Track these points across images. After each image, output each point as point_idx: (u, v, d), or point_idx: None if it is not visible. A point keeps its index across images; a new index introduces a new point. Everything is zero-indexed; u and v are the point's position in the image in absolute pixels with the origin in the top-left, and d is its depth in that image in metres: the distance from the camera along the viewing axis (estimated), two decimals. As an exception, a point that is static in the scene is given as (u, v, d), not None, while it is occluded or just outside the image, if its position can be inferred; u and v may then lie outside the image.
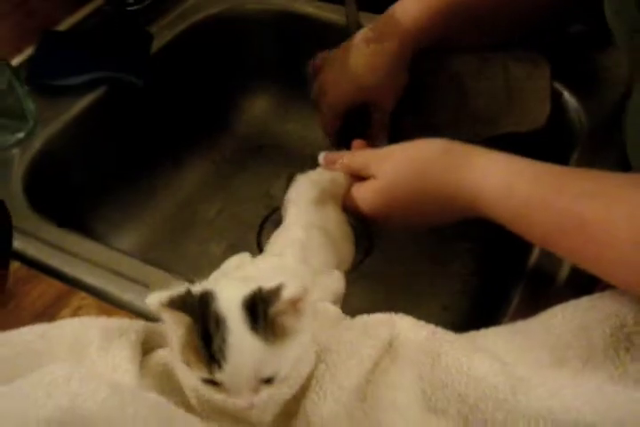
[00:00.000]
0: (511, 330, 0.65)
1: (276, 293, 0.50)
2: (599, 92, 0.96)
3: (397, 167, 0.74)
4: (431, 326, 0.62)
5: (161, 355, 0.60)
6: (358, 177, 0.77)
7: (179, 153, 1.14)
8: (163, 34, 1.09)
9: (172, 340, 0.52)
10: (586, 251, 0.60)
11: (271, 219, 1.06)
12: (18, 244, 0.78)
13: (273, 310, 0.50)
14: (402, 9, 0.87)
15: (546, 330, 0.64)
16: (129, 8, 1.10)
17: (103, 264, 0.78)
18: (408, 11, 0.86)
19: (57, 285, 0.76)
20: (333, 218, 0.76)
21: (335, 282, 0.70)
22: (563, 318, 0.64)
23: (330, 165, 0.80)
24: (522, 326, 0.66)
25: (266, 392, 0.52)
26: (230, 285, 0.54)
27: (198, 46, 1.13)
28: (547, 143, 0.93)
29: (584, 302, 0.64)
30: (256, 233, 1.05)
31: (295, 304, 0.51)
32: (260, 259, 0.70)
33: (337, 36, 0.98)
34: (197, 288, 0.53)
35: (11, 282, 0.75)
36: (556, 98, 0.96)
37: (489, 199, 0.67)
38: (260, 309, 0.50)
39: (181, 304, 0.51)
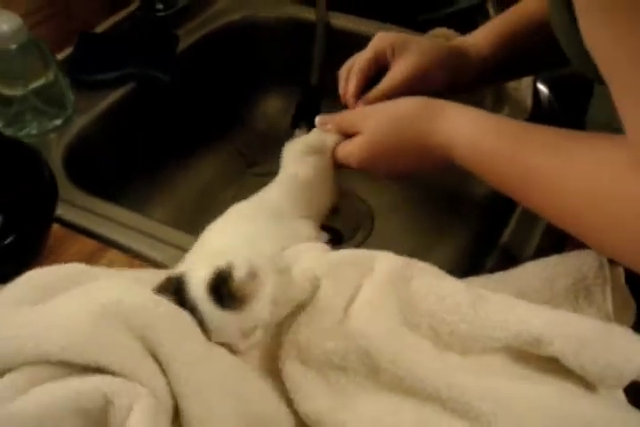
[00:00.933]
0: (487, 278, 0.74)
1: (229, 273, 0.60)
2: (571, 84, 1.05)
3: (379, 122, 0.78)
4: (407, 258, 0.71)
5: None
6: (348, 135, 0.82)
7: (198, 144, 1.23)
8: (188, 37, 1.19)
9: None
10: (539, 199, 0.67)
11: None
12: (57, 209, 0.86)
13: (232, 288, 0.60)
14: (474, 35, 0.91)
15: (517, 278, 0.72)
16: (158, 14, 1.21)
17: (132, 226, 0.88)
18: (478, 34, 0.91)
19: (91, 243, 0.86)
20: (317, 168, 0.82)
21: (305, 229, 0.79)
22: (533, 270, 0.73)
23: (323, 125, 0.84)
24: (496, 275, 0.74)
25: (252, 338, 0.63)
26: (198, 266, 0.64)
27: (219, 48, 1.24)
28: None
29: (553, 259, 0.73)
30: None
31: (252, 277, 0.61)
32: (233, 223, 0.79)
33: (342, 40, 1.08)
34: (176, 271, 0.64)
35: (51, 241, 0.85)
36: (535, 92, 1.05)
37: (458, 149, 0.72)
38: (223, 289, 0.60)
39: (164, 290, 0.62)
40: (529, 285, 0.71)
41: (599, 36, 0.55)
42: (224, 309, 0.60)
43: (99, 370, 0.54)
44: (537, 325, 0.63)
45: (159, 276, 0.69)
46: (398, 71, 0.85)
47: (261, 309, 0.62)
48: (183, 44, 1.18)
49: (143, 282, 0.66)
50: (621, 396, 0.65)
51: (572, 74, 1.05)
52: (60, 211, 0.88)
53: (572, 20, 0.59)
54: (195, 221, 1.13)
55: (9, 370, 0.54)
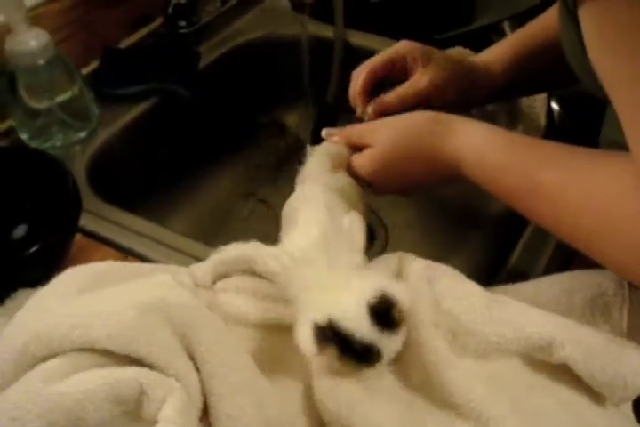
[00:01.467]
0: (503, 289, 0.75)
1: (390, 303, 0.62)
2: (584, 103, 1.06)
3: (389, 135, 0.79)
4: (429, 261, 0.73)
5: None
6: (356, 147, 0.83)
7: (218, 158, 1.26)
8: (209, 53, 1.23)
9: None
10: (539, 211, 0.68)
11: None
12: (81, 220, 0.87)
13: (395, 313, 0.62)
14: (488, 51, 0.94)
15: (535, 289, 0.74)
16: (181, 30, 1.24)
17: (152, 236, 0.90)
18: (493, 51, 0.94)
19: (113, 253, 0.88)
20: (348, 181, 0.80)
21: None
22: (551, 282, 0.74)
23: (330, 137, 0.85)
24: (513, 286, 0.75)
25: None
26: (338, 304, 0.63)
27: (239, 65, 1.27)
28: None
29: (571, 273, 0.74)
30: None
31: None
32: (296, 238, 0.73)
33: (360, 58, 1.10)
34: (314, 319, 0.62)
35: (74, 250, 0.87)
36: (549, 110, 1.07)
37: (467, 163, 0.73)
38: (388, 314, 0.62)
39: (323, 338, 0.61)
40: (546, 296, 0.73)
41: (602, 59, 0.57)
42: (391, 333, 0.62)
43: (138, 362, 0.57)
44: (550, 329, 0.65)
45: (193, 270, 0.72)
46: (422, 80, 0.87)
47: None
48: (204, 61, 1.21)
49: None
50: (629, 411, 0.67)
51: (584, 93, 1.09)
52: (84, 221, 0.90)
53: (580, 40, 0.60)
54: (213, 232, 1.17)
55: (55, 355, 0.57)
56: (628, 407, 0.67)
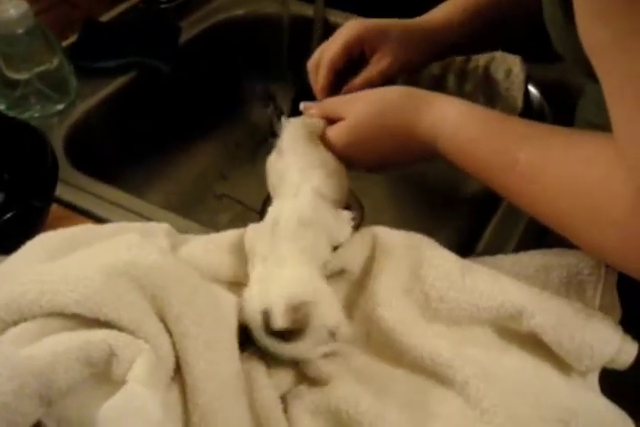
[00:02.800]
0: (481, 260, 0.76)
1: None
2: (561, 87, 1.08)
3: (362, 108, 0.79)
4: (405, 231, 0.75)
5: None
6: (332, 120, 0.82)
7: (196, 133, 1.26)
8: (190, 29, 1.23)
9: None
10: (515, 188, 0.68)
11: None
12: (57, 190, 0.88)
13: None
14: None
15: (512, 264, 0.75)
16: (162, 6, 1.24)
17: (128, 208, 0.90)
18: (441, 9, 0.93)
19: (88, 223, 0.86)
20: (329, 156, 0.80)
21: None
22: (530, 258, 0.75)
23: (308, 110, 0.85)
24: (491, 259, 0.76)
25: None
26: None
27: (221, 41, 1.27)
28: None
29: (549, 250, 0.75)
30: (259, 209, 1.18)
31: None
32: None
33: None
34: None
35: (50, 219, 0.87)
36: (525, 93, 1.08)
37: (442, 137, 0.73)
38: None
39: None
40: (523, 272, 0.73)
41: (596, 36, 0.56)
42: (279, 342, 0.65)
43: (107, 325, 0.57)
44: (521, 297, 0.67)
45: (163, 227, 0.74)
46: (384, 59, 0.88)
47: (317, 332, 0.65)
48: (185, 36, 1.21)
49: (151, 234, 0.70)
50: (595, 384, 0.68)
51: (563, 76, 1.10)
52: (60, 191, 0.90)
53: (567, 18, 0.60)
54: (189, 206, 1.17)
55: (24, 320, 0.58)
56: (593, 380, 0.68)
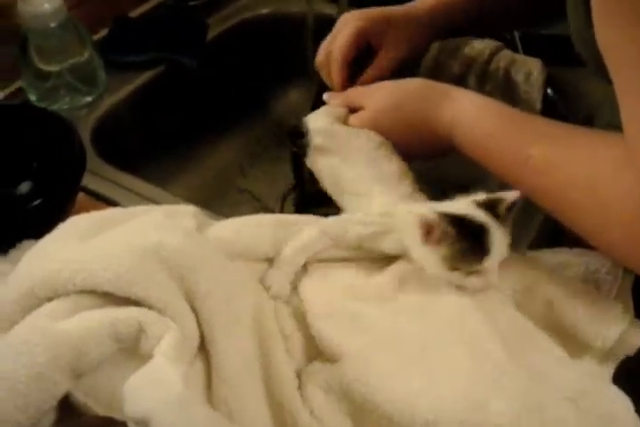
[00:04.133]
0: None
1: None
2: (580, 92, 1.10)
3: (383, 98, 0.81)
4: None
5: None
6: (354, 110, 0.84)
7: (219, 129, 1.29)
8: (217, 26, 1.25)
9: None
10: (527, 182, 0.70)
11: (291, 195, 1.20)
12: (84, 179, 0.91)
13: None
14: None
15: (533, 259, 0.76)
16: (190, 2, 1.26)
17: (151, 198, 0.93)
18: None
19: None
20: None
21: None
22: (551, 254, 0.77)
23: (333, 100, 0.87)
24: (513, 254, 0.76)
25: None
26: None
27: (247, 39, 1.29)
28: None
29: (569, 250, 0.77)
30: (280, 203, 1.20)
31: None
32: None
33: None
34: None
35: (76, 208, 0.89)
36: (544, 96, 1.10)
37: (460, 130, 0.75)
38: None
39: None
40: (542, 266, 0.75)
41: (608, 35, 0.59)
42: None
43: (137, 303, 0.60)
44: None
45: (190, 209, 0.76)
46: (391, 50, 0.90)
47: None
48: (212, 33, 1.24)
49: (178, 215, 0.73)
50: (608, 374, 0.69)
51: (582, 80, 1.11)
52: (86, 181, 0.93)
53: (587, 21, 0.62)
54: (211, 199, 1.19)
55: (58, 297, 0.60)
56: (608, 370, 0.69)
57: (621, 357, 0.69)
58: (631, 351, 0.69)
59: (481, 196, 0.70)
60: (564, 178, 0.66)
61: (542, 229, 0.91)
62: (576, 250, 0.76)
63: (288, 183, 1.11)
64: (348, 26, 0.89)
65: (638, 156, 0.59)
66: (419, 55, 0.97)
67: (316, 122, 0.83)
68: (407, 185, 0.78)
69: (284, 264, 0.73)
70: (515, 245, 0.87)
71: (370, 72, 0.91)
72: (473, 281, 0.69)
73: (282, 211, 1.17)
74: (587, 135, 0.69)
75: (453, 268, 0.68)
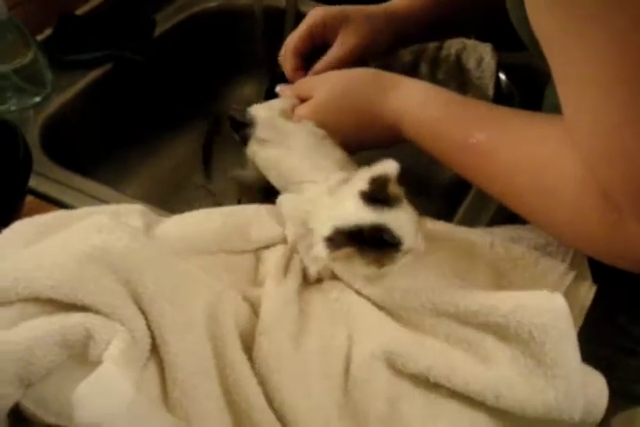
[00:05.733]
0: (451, 229, 0.78)
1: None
2: (531, 75, 1.08)
3: (330, 87, 0.82)
4: None
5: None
6: (305, 100, 0.84)
7: (174, 124, 1.27)
8: (165, 21, 1.24)
9: None
10: (474, 168, 0.70)
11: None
12: (32, 182, 0.89)
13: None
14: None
15: (484, 233, 0.77)
16: (137, -2, 1.24)
17: (103, 199, 0.91)
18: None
19: None
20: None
21: None
22: (501, 230, 0.78)
23: (283, 93, 0.88)
24: (461, 229, 0.78)
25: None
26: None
27: (196, 33, 1.28)
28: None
29: (521, 226, 0.77)
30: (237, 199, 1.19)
31: None
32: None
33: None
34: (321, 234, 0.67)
35: (25, 210, 0.87)
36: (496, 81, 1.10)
37: (407, 117, 0.75)
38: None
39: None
40: (494, 238, 0.75)
41: (543, 22, 0.58)
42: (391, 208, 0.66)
43: (83, 309, 0.59)
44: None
45: (136, 208, 0.75)
46: (344, 42, 0.89)
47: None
48: (160, 29, 1.21)
49: (124, 215, 0.72)
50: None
51: (532, 63, 1.12)
52: (35, 183, 0.91)
53: (523, 6, 0.61)
54: (166, 197, 1.18)
55: (1, 306, 0.59)
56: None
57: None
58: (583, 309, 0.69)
59: (362, 181, 0.68)
60: (508, 161, 0.67)
61: (497, 214, 0.91)
62: (528, 226, 0.77)
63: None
64: (307, 19, 0.91)
65: (576, 136, 0.59)
66: (380, 56, 0.96)
67: (260, 114, 0.83)
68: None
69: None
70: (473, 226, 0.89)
71: (318, 64, 0.91)
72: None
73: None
74: (529, 118, 0.69)
75: (376, 266, 0.67)
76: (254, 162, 0.84)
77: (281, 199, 0.77)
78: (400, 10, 0.93)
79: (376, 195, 0.66)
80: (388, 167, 0.68)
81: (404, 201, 0.68)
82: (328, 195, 0.71)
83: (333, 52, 0.90)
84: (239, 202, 1.17)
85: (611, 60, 0.53)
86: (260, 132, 0.81)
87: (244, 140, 0.84)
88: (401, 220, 0.66)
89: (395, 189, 0.68)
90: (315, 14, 0.91)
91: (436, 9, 0.93)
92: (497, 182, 0.69)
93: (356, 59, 0.90)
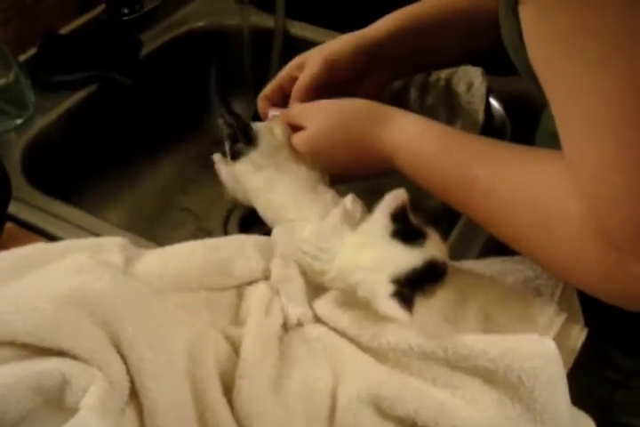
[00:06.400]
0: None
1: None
2: (522, 100, 1.08)
3: (323, 118, 0.79)
4: None
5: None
6: (296, 128, 0.82)
7: (159, 146, 1.26)
8: (151, 42, 1.22)
9: None
10: (473, 204, 0.69)
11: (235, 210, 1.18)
12: (12, 208, 0.88)
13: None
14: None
15: (471, 268, 0.76)
16: (124, 17, 1.22)
17: (85, 227, 0.89)
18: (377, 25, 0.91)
19: (43, 242, 0.87)
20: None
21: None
22: (490, 262, 0.77)
23: (275, 118, 0.86)
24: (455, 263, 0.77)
25: None
26: None
27: (182, 54, 1.26)
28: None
29: (509, 258, 0.76)
30: (223, 221, 1.18)
31: None
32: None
33: (301, 48, 1.11)
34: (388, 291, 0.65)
35: (5, 238, 0.86)
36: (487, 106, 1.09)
37: (402, 152, 0.73)
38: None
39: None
40: (483, 273, 0.75)
41: (541, 53, 0.58)
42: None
43: (60, 353, 0.57)
44: None
45: (117, 241, 0.73)
46: (306, 71, 0.89)
47: None
48: (147, 49, 1.20)
49: (104, 250, 0.70)
50: None
51: (524, 88, 1.11)
52: (16, 209, 0.90)
53: (518, 30, 0.60)
54: (150, 220, 1.16)
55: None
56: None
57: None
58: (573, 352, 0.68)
59: (383, 218, 0.68)
60: (507, 198, 0.65)
61: (487, 245, 0.90)
62: (517, 257, 0.75)
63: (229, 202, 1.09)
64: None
65: (578, 175, 0.58)
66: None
67: (263, 137, 0.81)
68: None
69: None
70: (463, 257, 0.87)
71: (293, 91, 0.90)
72: None
73: (225, 231, 1.16)
74: (528, 153, 0.68)
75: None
76: (239, 180, 0.82)
77: (276, 234, 0.75)
78: (372, 32, 0.91)
79: (406, 230, 0.67)
80: (400, 198, 0.68)
81: (430, 228, 0.68)
82: (349, 231, 0.71)
83: (298, 81, 0.89)
84: (226, 222, 1.16)
85: (616, 102, 0.52)
86: (258, 156, 0.80)
87: (235, 155, 0.82)
88: (438, 246, 0.67)
89: (413, 218, 0.68)
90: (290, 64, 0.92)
91: (411, 33, 0.91)
92: (497, 220, 0.68)
93: (320, 84, 0.88)
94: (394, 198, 0.68)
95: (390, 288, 0.64)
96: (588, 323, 0.71)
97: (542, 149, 0.68)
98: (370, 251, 0.68)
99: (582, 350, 0.69)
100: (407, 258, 0.65)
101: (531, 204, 0.64)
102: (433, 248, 0.66)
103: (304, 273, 0.72)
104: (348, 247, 0.69)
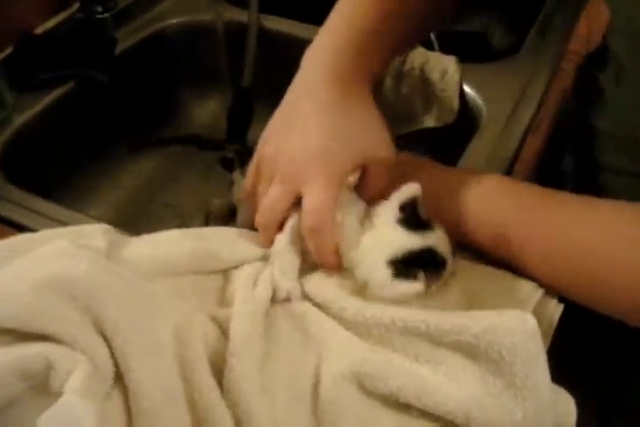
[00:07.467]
0: None
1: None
2: (498, 89, 1.10)
3: None
4: None
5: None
6: None
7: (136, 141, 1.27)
8: (126, 39, 1.22)
9: None
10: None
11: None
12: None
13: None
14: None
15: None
16: (98, 16, 1.22)
17: (66, 223, 0.88)
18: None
19: None
20: None
21: None
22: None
23: None
24: None
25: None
26: None
27: (157, 50, 1.27)
28: (451, 131, 1.08)
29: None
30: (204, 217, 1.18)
31: None
32: None
33: (283, 45, 1.12)
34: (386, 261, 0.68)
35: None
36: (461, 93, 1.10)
37: (471, 224, 0.73)
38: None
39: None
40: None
41: None
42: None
43: (44, 338, 0.58)
44: None
45: (98, 228, 0.73)
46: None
47: None
48: (122, 46, 1.20)
49: (87, 236, 0.70)
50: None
51: (498, 75, 1.12)
52: (-5, 206, 0.89)
53: None
54: (132, 220, 1.17)
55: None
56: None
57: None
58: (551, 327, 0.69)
59: (392, 209, 0.70)
60: (569, 241, 0.68)
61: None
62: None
63: (211, 196, 1.10)
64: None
65: None
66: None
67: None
68: None
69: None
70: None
71: None
72: None
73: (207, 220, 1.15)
74: (582, 202, 0.70)
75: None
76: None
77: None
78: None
79: (412, 220, 0.69)
80: (413, 190, 0.69)
81: (437, 221, 0.70)
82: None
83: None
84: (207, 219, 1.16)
85: None
86: None
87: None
88: (441, 240, 0.69)
89: (422, 210, 0.70)
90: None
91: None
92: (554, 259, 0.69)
93: None
94: (407, 190, 0.70)
95: (388, 272, 0.67)
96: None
97: (593, 198, 0.70)
98: (371, 232, 0.70)
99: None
100: (404, 240, 0.68)
101: (590, 249, 0.66)
102: (436, 239, 0.69)
103: (305, 252, 0.73)
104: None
